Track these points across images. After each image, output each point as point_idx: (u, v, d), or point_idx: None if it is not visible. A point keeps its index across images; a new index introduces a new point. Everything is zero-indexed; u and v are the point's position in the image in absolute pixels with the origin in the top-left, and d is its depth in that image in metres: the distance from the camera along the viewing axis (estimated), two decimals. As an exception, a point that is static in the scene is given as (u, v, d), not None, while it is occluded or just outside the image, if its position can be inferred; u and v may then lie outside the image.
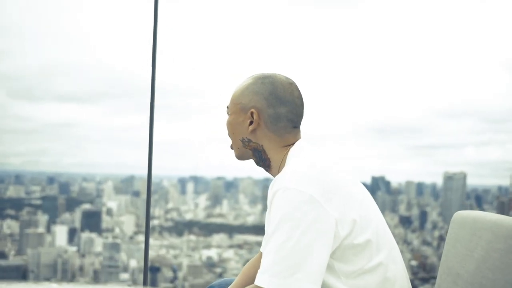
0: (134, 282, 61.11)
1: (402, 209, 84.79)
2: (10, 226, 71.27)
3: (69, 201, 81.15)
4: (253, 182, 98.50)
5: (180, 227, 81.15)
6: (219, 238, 76.77)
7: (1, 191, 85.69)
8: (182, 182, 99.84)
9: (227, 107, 1.44)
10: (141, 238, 74.55)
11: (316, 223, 1.17)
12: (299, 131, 1.40)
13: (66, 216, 76.17)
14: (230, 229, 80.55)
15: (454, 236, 1.48)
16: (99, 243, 69.75)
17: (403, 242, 70.97)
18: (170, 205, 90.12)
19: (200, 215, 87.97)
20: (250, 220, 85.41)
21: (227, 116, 1.44)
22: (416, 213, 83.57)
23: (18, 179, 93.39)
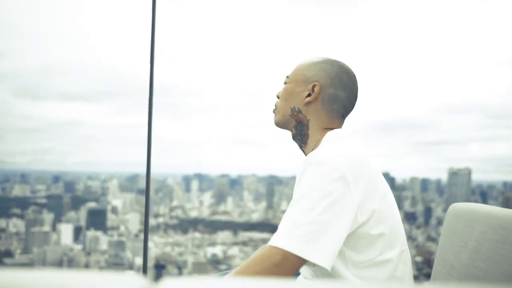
0: (140, 279, 61.12)
1: (407, 205, 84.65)
2: (16, 225, 71.62)
3: (74, 199, 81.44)
4: (257, 179, 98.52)
5: (185, 225, 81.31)
6: (223, 235, 76.87)
7: (7, 190, 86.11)
8: (187, 179, 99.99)
9: (287, 77, 1.46)
10: (146, 236, 74.79)
11: (342, 201, 1.17)
12: (344, 121, 1.43)
13: (72, 214, 76.45)
14: (234, 226, 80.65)
15: (449, 228, 1.49)
16: (104, 241, 69.98)
17: (408, 238, 70.61)
18: (175, 203, 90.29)
19: (205, 213, 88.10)
20: (255, 217, 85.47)
21: (283, 85, 1.46)
22: (421, 209, 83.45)
23: (23, 178, 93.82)
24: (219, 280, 0.50)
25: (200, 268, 64.07)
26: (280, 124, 1.44)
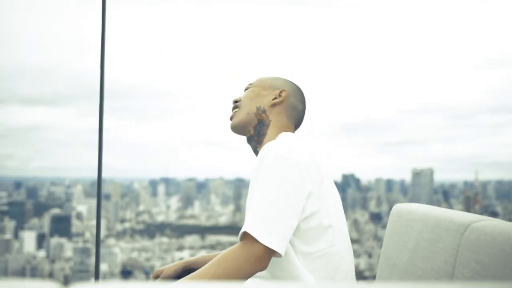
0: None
1: (372, 206, 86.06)
2: (-24, 233, 69.43)
3: (37, 206, 79.45)
4: (224, 182, 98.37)
5: (152, 230, 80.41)
6: (191, 239, 76.47)
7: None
8: (153, 184, 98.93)
9: (250, 84, 1.56)
10: (112, 241, 73.66)
11: (297, 189, 1.23)
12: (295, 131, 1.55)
13: (35, 221, 74.57)
14: (202, 230, 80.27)
15: (392, 228, 1.57)
16: (69, 248, 68.56)
17: (374, 237, 72.02)
18: (141, 208, 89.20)
19: (172, 217, 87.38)
20: (222, 220, 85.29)
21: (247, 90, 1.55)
22: (386, 209, 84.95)
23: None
24: (135, 284, 0.49)
25: (168, 273, 63.42)
26: (241, 123, 1.51)
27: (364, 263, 62.10)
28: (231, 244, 1.43)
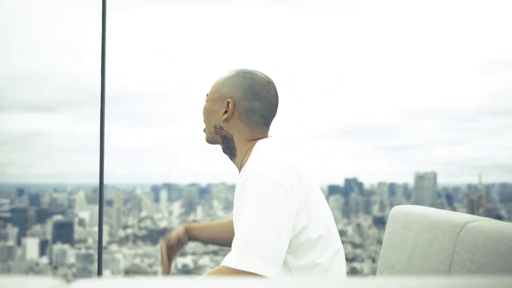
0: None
1: (376, 210, 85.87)
2: (-21, 240, 69.51)
3: (39, 212, 79.55)
4: (227, 187, 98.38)
5: (155, 235, 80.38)
6: (194, 245, 76.31)
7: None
8: (155, 190, 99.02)
9: (206, 94, 1.52)
10: (114, 248, 73.64)
11: (284, 210, 1.23)
12: (268, 129, 1.49)
13: (37, 228, 74.66)
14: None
15: (391, 230, 1.59)
16: (71, 254, 68.58)
17: (377, 242, 71.90)
18: (144, 214, 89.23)
19: (174, 223, 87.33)
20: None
21: (204, 102, 1.53)
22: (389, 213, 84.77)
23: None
24: (137, 280, 0.50)
25: (171, 279, 63.36)
26: (209, 141, 1.51)
27: (368, 267, 61.89)
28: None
